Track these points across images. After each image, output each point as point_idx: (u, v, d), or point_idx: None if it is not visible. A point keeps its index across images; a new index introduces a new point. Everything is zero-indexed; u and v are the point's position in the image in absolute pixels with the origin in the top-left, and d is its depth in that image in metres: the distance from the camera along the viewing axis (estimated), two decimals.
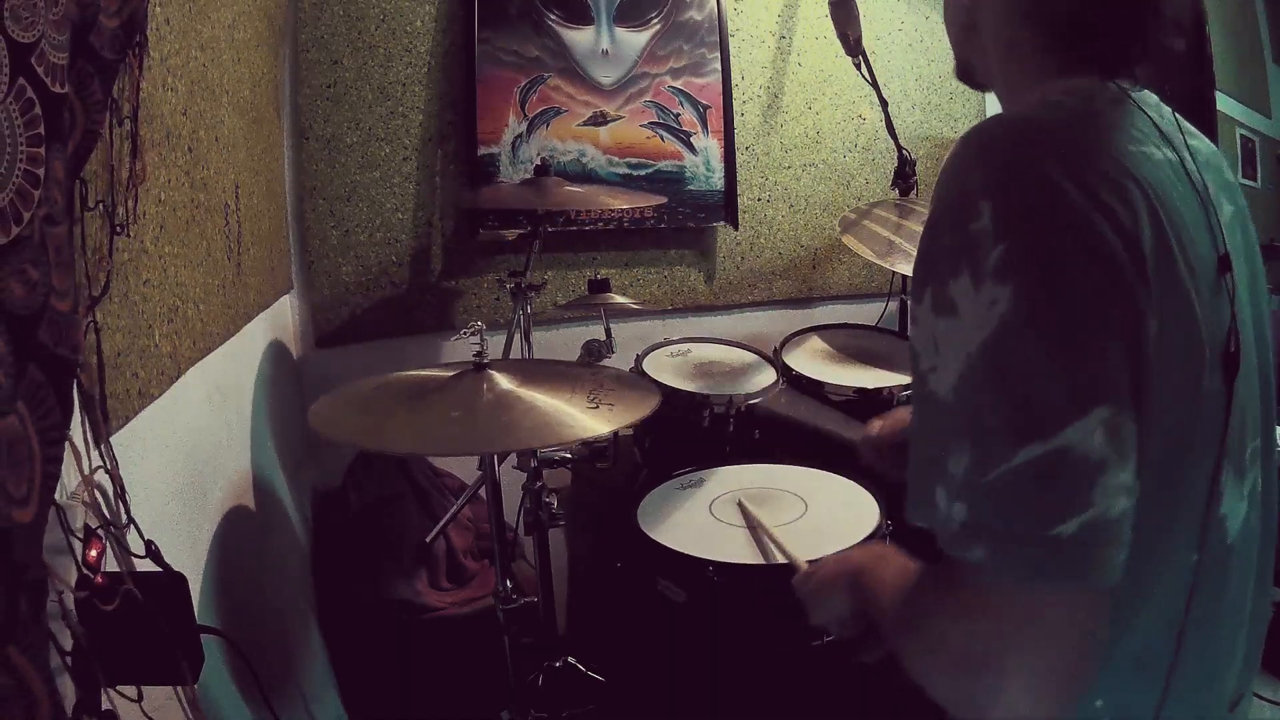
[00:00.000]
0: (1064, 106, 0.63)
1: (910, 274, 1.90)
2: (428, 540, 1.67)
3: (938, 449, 0.57)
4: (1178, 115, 0.68)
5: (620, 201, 1.82)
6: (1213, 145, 0.71)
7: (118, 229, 0.77)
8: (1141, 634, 0.61)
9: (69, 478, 0.65)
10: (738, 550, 1.37)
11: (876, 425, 1.15)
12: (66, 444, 0.59)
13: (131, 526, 0.73)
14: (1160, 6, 0.66)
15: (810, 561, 1.07)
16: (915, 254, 0.62)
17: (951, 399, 0.56)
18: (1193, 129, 0.69)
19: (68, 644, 0.60)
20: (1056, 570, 0.52)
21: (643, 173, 2.22)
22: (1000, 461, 0.53)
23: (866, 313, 2.52)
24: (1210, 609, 0.63)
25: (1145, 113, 0.65)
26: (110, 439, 0.73)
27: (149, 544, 0.74)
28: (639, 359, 1.95)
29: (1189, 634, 0.61)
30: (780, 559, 1.28)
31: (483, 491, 1.56)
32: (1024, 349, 0.53)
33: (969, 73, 0.81)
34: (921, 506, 0.59)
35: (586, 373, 1.32)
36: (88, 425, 0.70)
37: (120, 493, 0.73)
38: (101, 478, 0.70)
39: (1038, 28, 0.68)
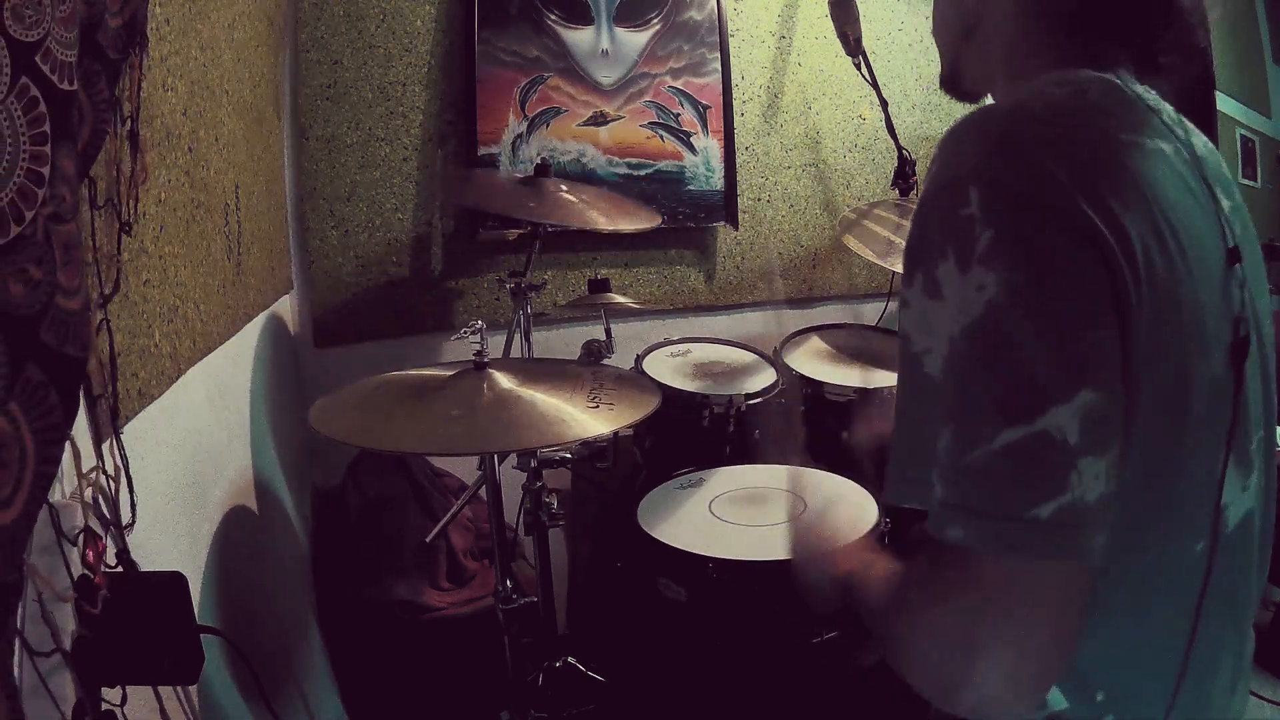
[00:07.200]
0: (1054, 96, 0.63)
1: None
2: (428, 540, 1.67)
3: (930, 430, 0.57)
4: (1179, 111, 0.68)
5: (609, 224, 1.67)
6: (1208, 141, 0.70)
7: (125, 227, 0.77)
8: (1152, 624, 0.61)
9: (72, 477, 0.65)
10: (738, 548, 1.37)
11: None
12: (67, 444, 0.59)
13: (134, 527, 0.73)
14: (1174, 3, 0.65)
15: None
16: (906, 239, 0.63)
17: (940, 380, 0.57)
18: (1190, 125, 0.69)
19: (55, 645, 0.60)
20: (1034, 549, 0.53)
21: (643, 173, 2.22)
22: (979, 443, 0.54)
23: (866, 313, 2.52)
24: (1218, 600, 0.63)
25: (1145, 104, 0.64)
26: (113, 438, 0.73)
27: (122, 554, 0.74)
28: (639, 359, 1.95)
29: (1201, 624, 0.61)
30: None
31: (483, 491, 1.56)
32: (1009, 333, 0.53)
33: (959, 81, 0.80)
34: (915, 486, 0.60)
35: (587, 372, 1.32)
36: (90, 424, 0.69)
37: (131, 490, 0.73)
38: (108, 476, 0.70)
39: (1048, 26, 0.68)
